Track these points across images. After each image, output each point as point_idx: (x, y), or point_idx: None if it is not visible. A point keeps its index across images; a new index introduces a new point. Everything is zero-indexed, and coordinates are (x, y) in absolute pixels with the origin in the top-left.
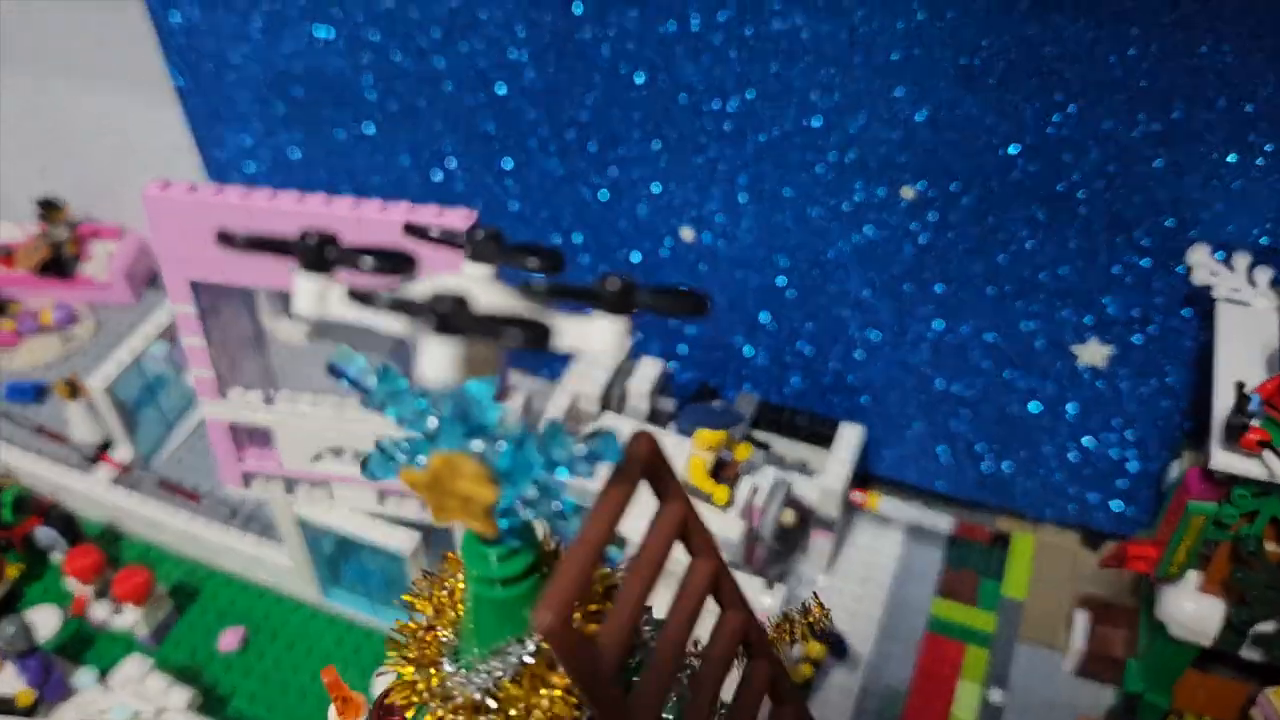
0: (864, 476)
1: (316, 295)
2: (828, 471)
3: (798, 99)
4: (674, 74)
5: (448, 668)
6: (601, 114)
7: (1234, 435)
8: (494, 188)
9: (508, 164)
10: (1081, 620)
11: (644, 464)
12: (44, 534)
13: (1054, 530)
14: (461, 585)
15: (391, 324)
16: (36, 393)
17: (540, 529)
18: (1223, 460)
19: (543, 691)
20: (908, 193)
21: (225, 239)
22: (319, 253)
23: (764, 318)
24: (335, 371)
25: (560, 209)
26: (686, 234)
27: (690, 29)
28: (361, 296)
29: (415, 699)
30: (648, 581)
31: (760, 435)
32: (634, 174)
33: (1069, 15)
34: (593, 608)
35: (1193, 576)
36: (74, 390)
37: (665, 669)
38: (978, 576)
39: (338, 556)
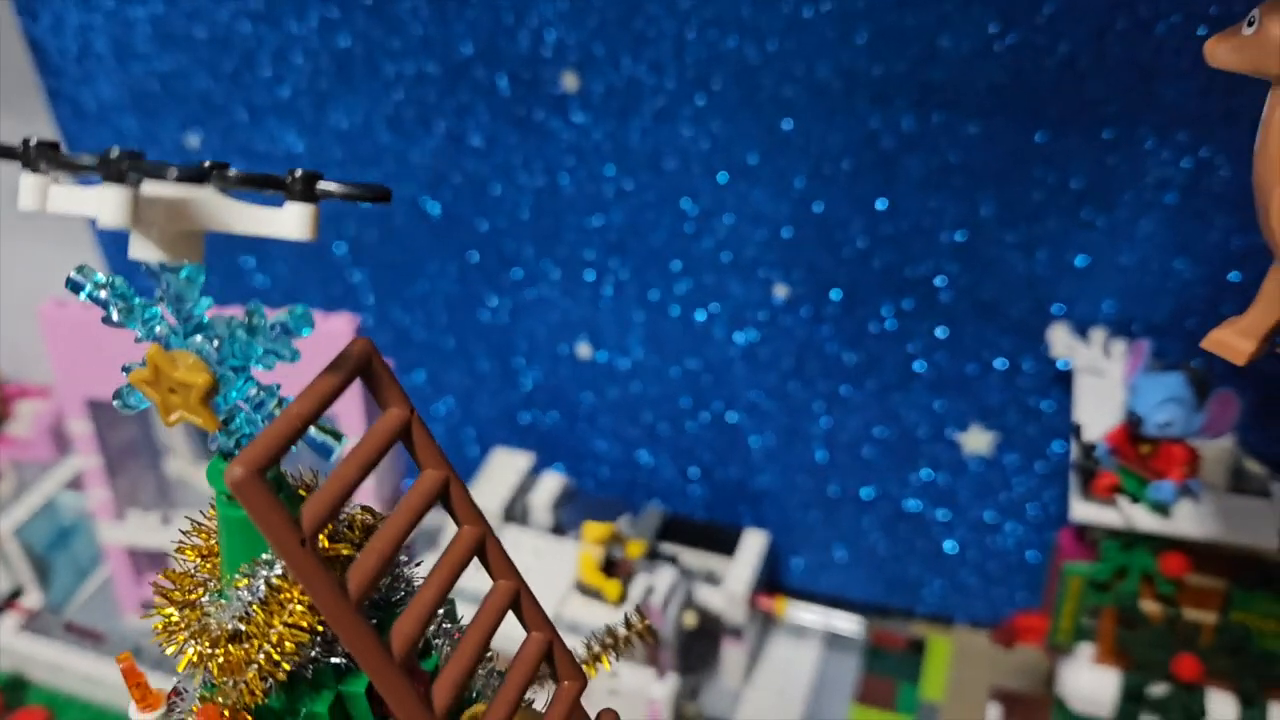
0: (776, 588)
1: (37, 190)
2: (731, 576)
3: (670, 207)
4: (558, 194)
5: (206, 604)
6: (496, 239)
7: (1085, 481)
8: (402, 316)
9: (414, 290)
10: (993, 713)
11: (356, 361)
12: None
13: (968, 630)
14: None
15: (104, 214)
16: None
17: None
18: (1081, 511)
19: (287, 610)
20: (781, 291)
21: None
22: (37, 156)
23: (663, 429)
24: (73, 286)
25: (464, 333)
26: (583, 350)
27: (572, 147)
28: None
29: (178, 637)
30: (361, 467)
31: (667, 548)
32: (529, 295)
33: (905, 108)
34: (345, 549)
35: (1087, 649)
36: None
37: (425, 610)
38: (895, 682)
39: None
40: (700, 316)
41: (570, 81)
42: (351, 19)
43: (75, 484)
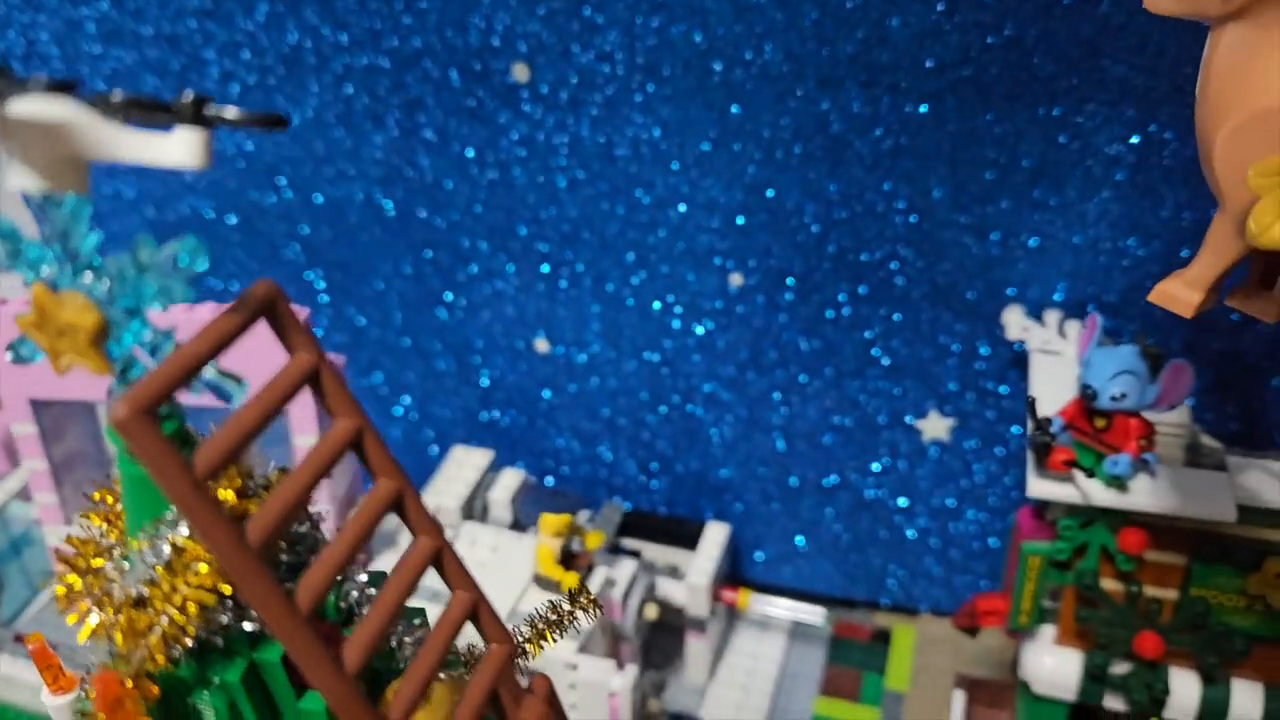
0: (740, 581)
1: None
2: (693, 569)
3: (624, 198)
4: (511, 186)
5: (110, 569)
6: (450, 234)
7: (1040, 457)
8: (357, 316)
9: (369, 289)
10: (959, 701)
11: (259, 303)
12: None
13: (932, 619)
14: None
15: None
16: None
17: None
18: (1038, 487)
19: (191, 570)
20: (736, 279)
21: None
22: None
23: (623, 423)
24: None
25: (420, 331)
26: (541, 345)
27: (524, 139)
28: None
29: (79, 605)
30: (263, 409)
31: (630, 543)
32: (485, 290)
33: (854, 90)
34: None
35: (1049, 631)
36: None
37: (334, 562)
38: (860, 673)
39: None
40: (656, 307)
41: (521, 72)
42: (299, 13)
43: (25, 494)
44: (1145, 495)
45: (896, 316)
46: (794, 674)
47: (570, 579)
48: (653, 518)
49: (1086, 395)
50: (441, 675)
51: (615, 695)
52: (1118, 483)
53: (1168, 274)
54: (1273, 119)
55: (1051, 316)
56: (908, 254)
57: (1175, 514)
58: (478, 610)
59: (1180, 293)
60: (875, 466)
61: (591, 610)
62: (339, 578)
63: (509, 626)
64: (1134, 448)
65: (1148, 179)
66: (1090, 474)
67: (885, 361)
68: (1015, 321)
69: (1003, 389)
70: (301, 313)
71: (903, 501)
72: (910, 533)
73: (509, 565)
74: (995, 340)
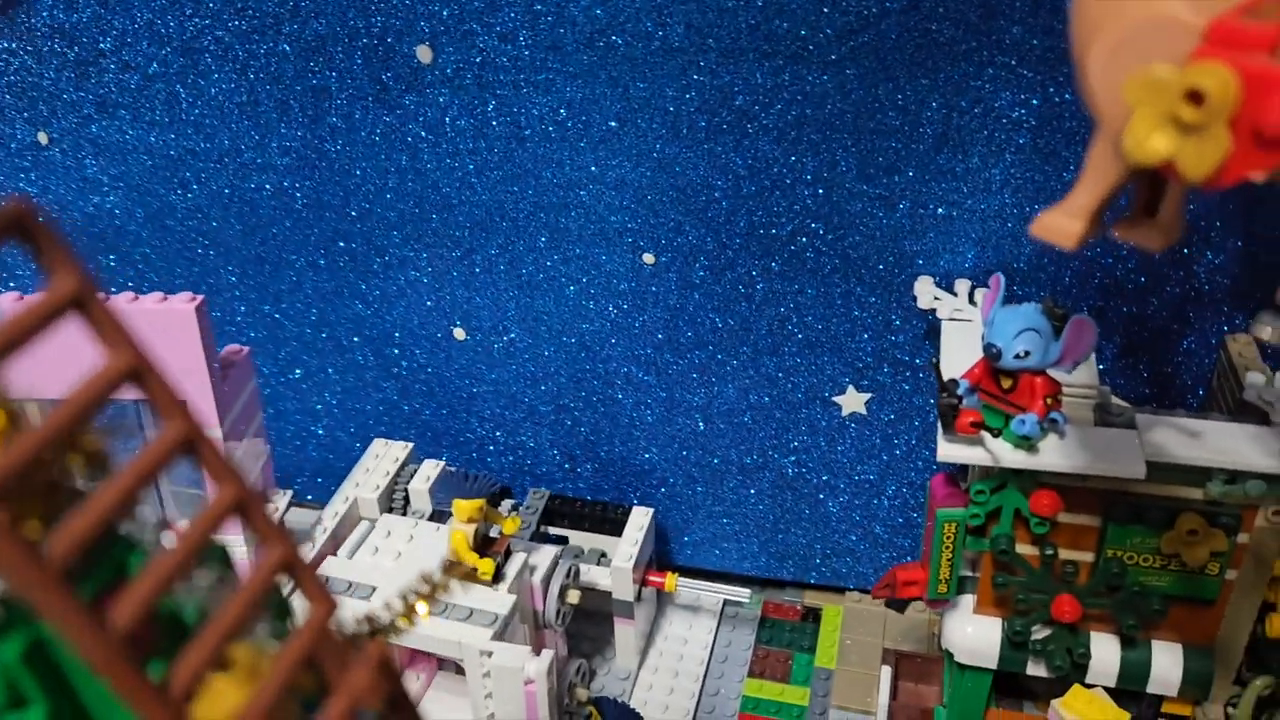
0: (668, 566)
1: None
2: (618, 553)
3: (533, 180)
4: (421, 173)
5: None
6: (362, 224)
7: (948, 420)
8: (272, 310)
9: (283, 283)
10: (885, 675)
11: (9, 219)
12: None
13: (860, 597)
14: None
15: None
16: None
17: None
18: (947, 451)
19: None
20: (648, 259)
21: None
22: None
23: (545, 410)
24: None
25: (338, 325)
26: (459, 334)
27: (431, 124)
28: None
29: None
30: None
31: (555, 531)
32: (400, 280)
33: (755, 61)
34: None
35: (969, 600)
36: None
37: (101, 509)
38: (790, 653)
39: None
40: (571, 290)
41: (424, 54)
42: (198, 0)
43: None
44: (1054, 455)
45: (809, 291)
46: (724, 657)
47: (486, 567)
48: (577, 504)
49: (990, 354)
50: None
51: (532, 682)
52: (1026, 443)
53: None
54: (1146, 30)
55: (962, 286)
56: (817, 227)
57: (1085, 472)
58: (293, 566)
59: (1061, 223)
60: (795, 444)
61: (465, 580)
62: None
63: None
64: (1040, 407)
65: (1049, 142)
66: (997, 434)
67: (800, 337)
68: (926, 291)
69: (918, 360)
70: (194, 299)
71: (825, 478)
72: (833, 508)
73: (424, 554)
74: (908, 312)
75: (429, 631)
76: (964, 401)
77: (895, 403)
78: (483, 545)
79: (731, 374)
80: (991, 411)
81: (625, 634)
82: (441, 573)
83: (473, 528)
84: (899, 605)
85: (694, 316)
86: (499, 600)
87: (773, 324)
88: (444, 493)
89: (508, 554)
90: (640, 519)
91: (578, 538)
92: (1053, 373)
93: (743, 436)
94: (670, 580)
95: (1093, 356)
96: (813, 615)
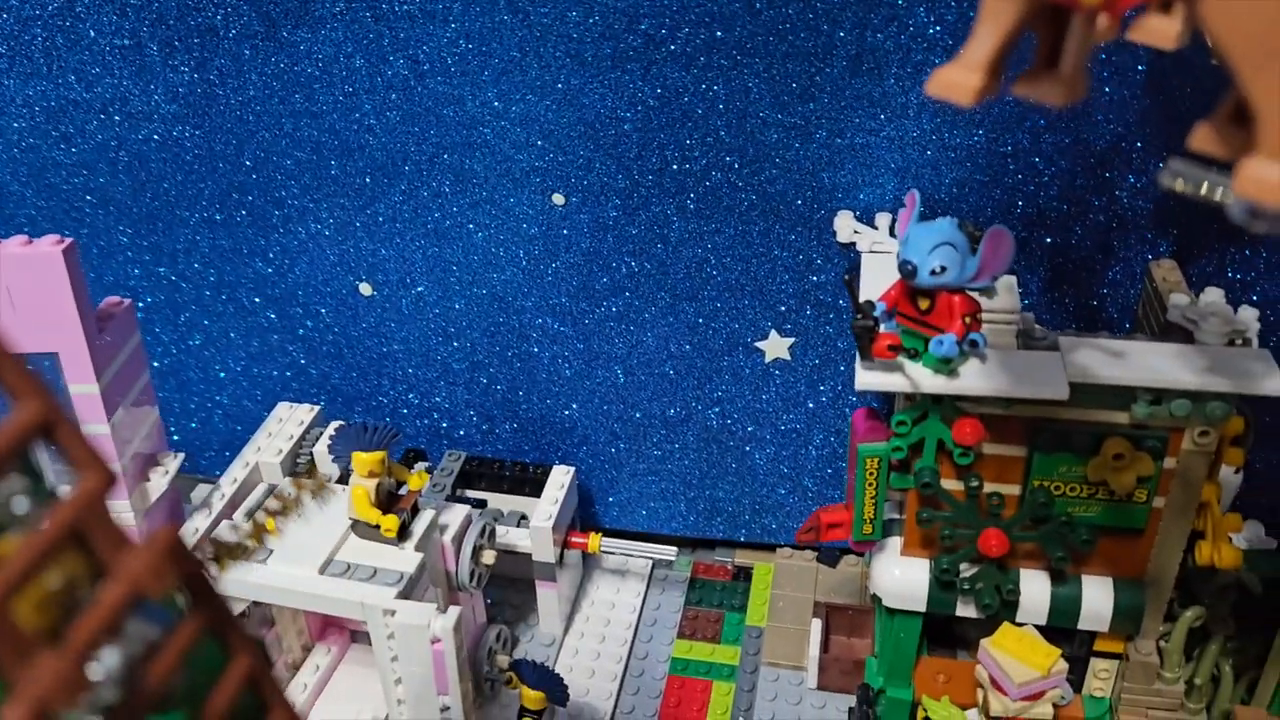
0: (596, 530)
1: None
2: (536, 513)
3: (435, 121)
4: (318, 117)
5: None
6: (258, 175)
7: (864, 343)
8: (168, 273)
9: (179, 242)
10: (815, 629)
11: None
12: None
13: (792, 553)
14: None
15: None
16: None
17: None
18: (865, 379)
19: None
20: (558, 199)
21: None
22: None
23: (458, 367)
24: None
25: (238, 286)
26: (365, 289)
27: (324, 64)
28: None
29: None
30: None
31: (474, 494)
32: (301, 234)
33: None
34: None
35: (896, 543)
36: None
37: None
38: (721, 613)
39: None
40: (480, 238)
41: None
42: None
43: None
44: (975, 379)
45: (727, 231)
46: (653, 620)
47: (389, 523)
48: (495, 465)
49: (905, 271)
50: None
51: (438, 641)
52: (946, 366)
53: (994, 166)
54: None
55: (883, 219)
56: (732, 161)
57: (1007, 394)
58: (52, 427)
59: (958, 78)
60: (719, 394)
61: (317, 494)
62: None
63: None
64: (959, 327)
65: None
66: (915, 355)
67: (719, 280)
68: (845, 225)
69: (841, 302)
70: (60, 242)
71: (751, 429)
72: (760, 460)
73: (327, 515)
74: (829, 250)
75: (328, 592)
76: (881, 325)
77: (819, 347)
78: (388, 502)
79: (650, 321)
80: (910, 336)
81: (548, 598)
82: (291, 487)
83: (374, 483)
84: (830, 559)
85: (608, 261)
86: (405, 559)
87: (690, 266)
88: (342, 446)
89: (415, 511)
90: (561, 478)
91: (497, 500)
92: (972, 293)
93: (664, 388)
94: (594, 541)
95: (1014, 281)
96: (744, 574)
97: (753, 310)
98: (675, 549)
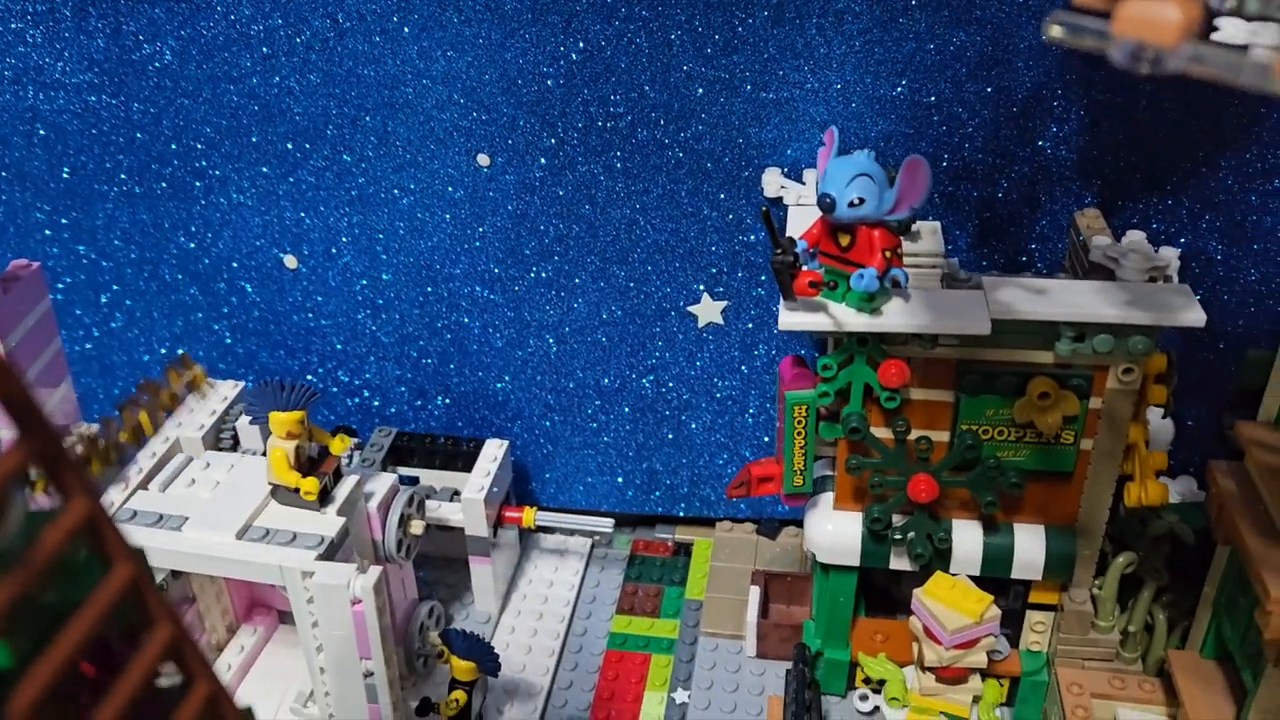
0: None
1: None
2: (468, 484)
3: (355, 82)
4: (236, 81)
5: None
6: (177, 144)
7: (785, 280)
8: (89, 251)
9: (98, 218)
10: (754, 595)
11: None
12: None
13: (732, 525)
14: None
15: None
16: None
17: None
18: (788, 319)
19: None
20: (483, 160)
21: None
22: None
23: (388, 341)
24: None
25: (160, 262)
26: (290, 261)
27: (240, 24)
28: None
29: None
30: None
31: (406, 471)
32: (223, 205)
33: None
34: None
35: (828, 498)
36: None
37: None
38: (661, 588)
39: None
40: (405, 203)
41: None
42: None
43: None
44: (899, 316)
45: (655, 190)
46: (592, 598)
47: (309, 485)
48: (427, 440)
49: (824, 205)
50: None
51: (359, 601)
52: (869, 305)
53: (918, 118)
54: None
55: (810, 175)
56: (658, 117)
57: (930, 330)
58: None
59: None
60: (652, 361)
61: (196, 387)
62: None
63: None
64: (879, 261)
65: (886, 10)
66: (835, 287)
67: (649, 241)
68: (773, 181)
69: (770, 258)
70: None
71: (685, 396)
72: (696, 429)
73: (246, 482)
74: (758, 209)
75: (245, 557)
76: (802, 262)
77: (751, 309)
78: (309, 469)
79: (581, 287)
80: (833, 275)
81: (482, 574)
82: (166, 377)
83: (293, 445)
84: (770, 531)
85: (535, 223)
86: (326, 523)
87: (620, 228)
88: (259, 406)
89: (337, 475)
90: (494, 451)
91: (430, 477)
92: (894, 231)
93: (598, 356)
94: (528, 515)
95: (939, 226)
96: (684, 550)
97: (684, 273)
98: (612, 521)
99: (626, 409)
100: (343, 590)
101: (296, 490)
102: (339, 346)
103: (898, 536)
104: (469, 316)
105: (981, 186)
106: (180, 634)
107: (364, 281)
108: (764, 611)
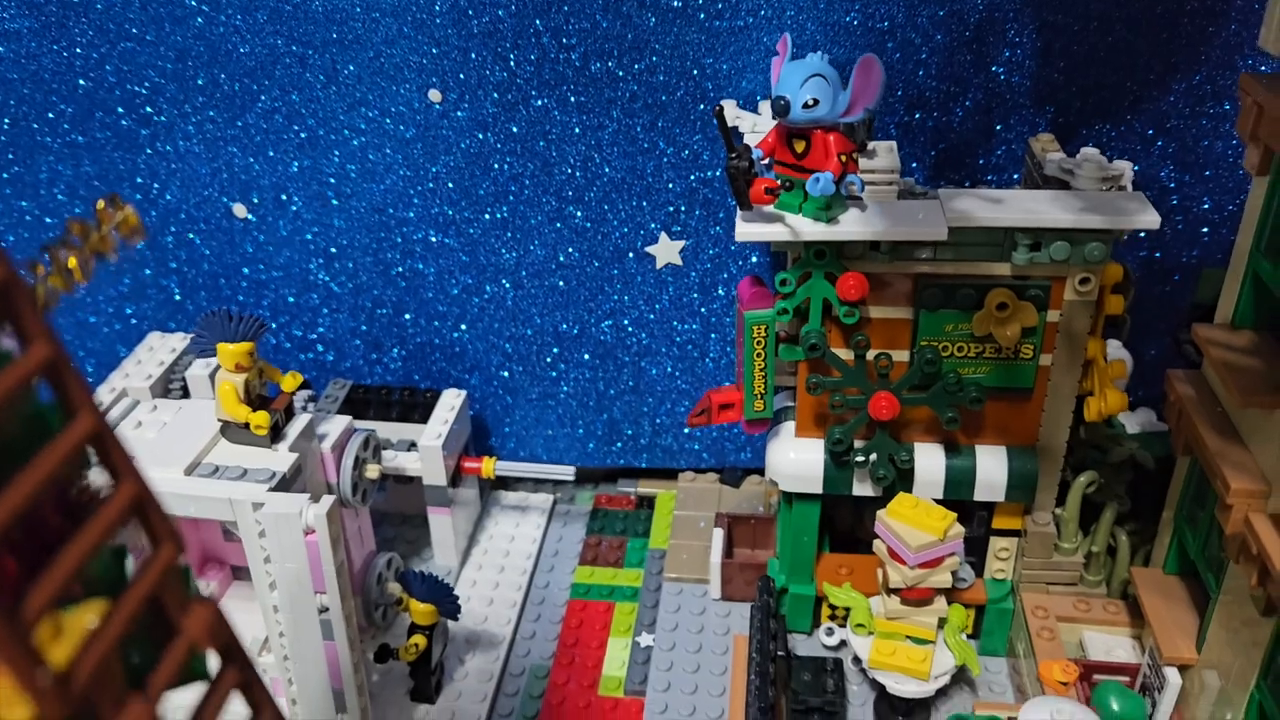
0: None
1: None
2: (426, 433)
3: (302, 16)
4: (180, 22)
5: None
6: (121, 89)
7: (740, 186)
8: (31, 207)
9: (40, 172)
10: (717, 537)
11: None
12: None
13: (694, 476)
14: None
15: None
16: None
17: None
18: (745, 230)
19: None
20: (435, 95)
21: None
22: None
23: (342, 292)
24: None
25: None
26: (239, 210)
27: None
28: None
29: None
30: None
31: (362, 424)
32: (169, 153)
33: None
34: None
35: (790, 426)
36: None
37: None
38: (624, 539)
39: None
40: (356, 144)
41: None
42: None
43: None
44: (856, 224)
45: (610, 126)
46: (554, 551)
47: (259, 419)
48: (383, 391)
49: (779, 108)
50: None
51: (312, 531)
52: (826, 214)
53: (872, 44)
54: None
55: (765, 106)
56: (612, 48)
57: (887, 238)
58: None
59: None
60: (610, 305)
61: (128, 232)
62: None
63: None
64: (835, 165)
65: None
66: (790, 188)
67: (606, 178)
68: (728, 113)
69: (730, 201)
70: None
71: (645, 340)
72: (656, 374)
73: (194, 422)
74: (715, 144)
75: (193, 491)
76: (758, 170)
77: (710, 249)
78: (259, 405)
79: (537, 229)
80: (788, 182)
81: (442, 526)
82: (97, 220)
83: (241, 378)
84: (734, 479)
85: (489, 162)
86: (277, 459)
87: (575, 165)
88: (207, 337)
89: (289, 413)
90: (451, 400)
91: (387, 429)
92: (848, 136)
93: (556, 301)
94: (488, 464)
95: (894, 144)
96: (647, 503)
97: (641, 212)
98: (573, 469)
99: (585, 355)
100: (295, 519)
101: (246, 425)
102: (291, 300)
103: (860, 459)
104: (423, 263)
105: (937, 115)
106: (103, 427)
107: (315, 229)
108: (728, 554)
